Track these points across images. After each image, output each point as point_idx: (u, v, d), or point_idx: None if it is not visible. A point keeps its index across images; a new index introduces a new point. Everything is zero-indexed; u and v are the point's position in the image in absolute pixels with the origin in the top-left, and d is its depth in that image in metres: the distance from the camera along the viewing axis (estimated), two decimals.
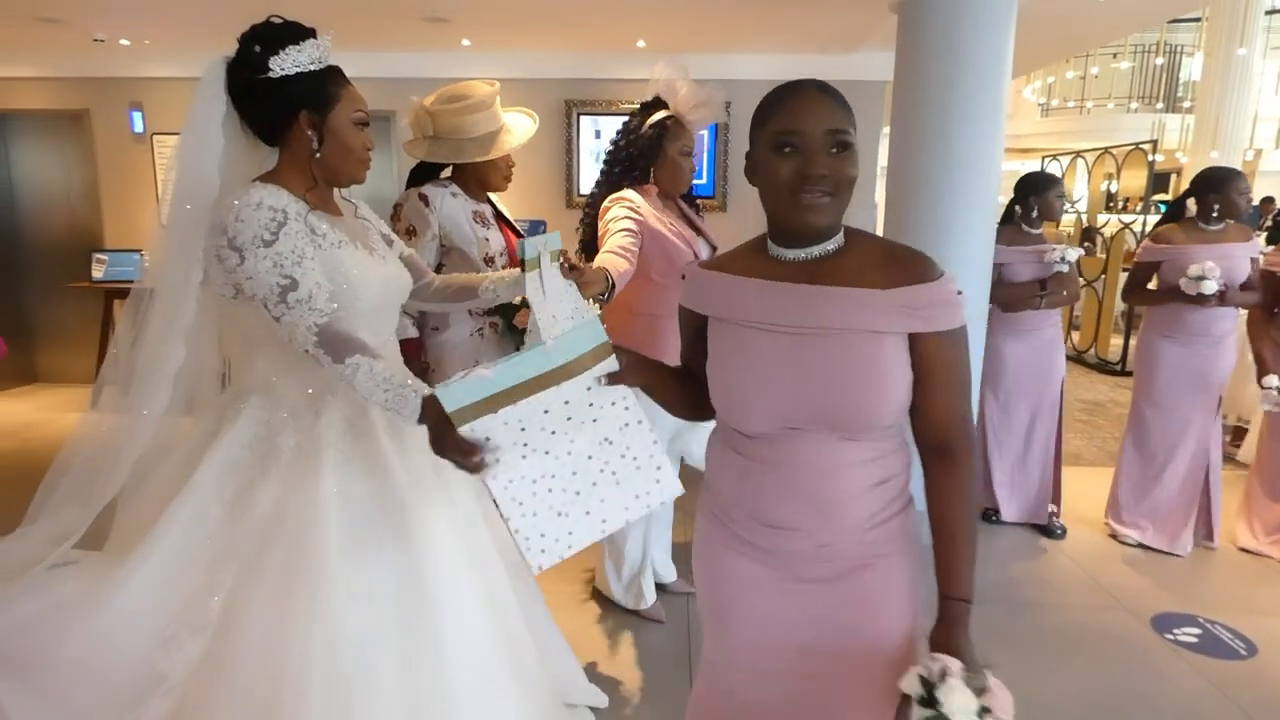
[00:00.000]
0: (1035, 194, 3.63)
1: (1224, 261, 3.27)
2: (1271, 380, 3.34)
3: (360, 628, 1.47)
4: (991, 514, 3.82)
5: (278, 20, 1.55)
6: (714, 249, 2.79)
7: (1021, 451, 3.78)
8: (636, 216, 2.42)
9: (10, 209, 6.23)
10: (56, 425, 5.24)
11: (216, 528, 1.51)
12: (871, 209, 5.43)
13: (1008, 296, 3.60)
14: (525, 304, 2.16)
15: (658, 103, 2.56)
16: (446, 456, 1.30)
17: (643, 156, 2.51)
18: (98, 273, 5.77)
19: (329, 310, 1.49)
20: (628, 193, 2.49)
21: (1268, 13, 9.53)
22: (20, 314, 6.30)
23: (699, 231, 2.70)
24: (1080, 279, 3.46)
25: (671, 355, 1.44)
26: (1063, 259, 3.51)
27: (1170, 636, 2.86)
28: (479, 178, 2.43)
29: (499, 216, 2.53)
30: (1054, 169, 8.65)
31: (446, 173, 2.49)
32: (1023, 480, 3.80)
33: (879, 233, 2.10)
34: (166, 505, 1.51)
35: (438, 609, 1.54)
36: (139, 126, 5.77)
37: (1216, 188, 3.37)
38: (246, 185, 1.51)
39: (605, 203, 2.50)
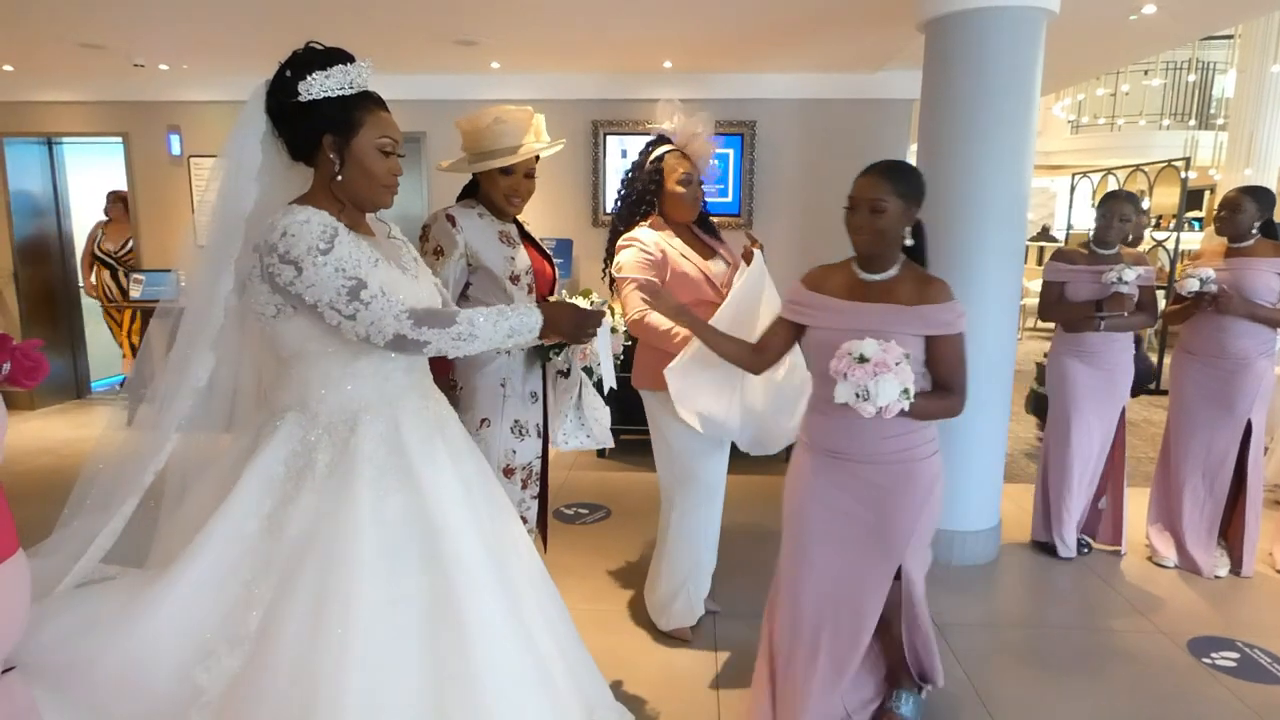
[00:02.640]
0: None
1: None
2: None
3: (392, 642, 1.48)
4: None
5: (318, 46, 1.59)
6: (729, 264, 2.81)
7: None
8: (649, 257, 2.64)
9: (57, 229, 6.45)
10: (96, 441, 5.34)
11: (254, 543, 1.53)
12: None
13: (1066, 316, 3.54)
14: None
15: (660, 140, 2.77)
16: (584, 331, 1.79)
17: (648, 190, 2.73)
18: (135, 292, 5.91)
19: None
20: (640, 232, 2.70)
21: None
22: (66, 331, 6.52)
23: (714, 252, 2.84)
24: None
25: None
26: (1120, 279, 3.30)
27: (1208, 660, 2.80)
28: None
29: (525, 236, 2.56)
30: (1084, 187, 8.56)
31: None
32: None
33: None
34: (205, 521, 1.53)
35: (467, 625, 1.55)
36: (176, 149, 5.90)
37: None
38: (286, 206, 1.55)
39: (621, 241, 2.72)
